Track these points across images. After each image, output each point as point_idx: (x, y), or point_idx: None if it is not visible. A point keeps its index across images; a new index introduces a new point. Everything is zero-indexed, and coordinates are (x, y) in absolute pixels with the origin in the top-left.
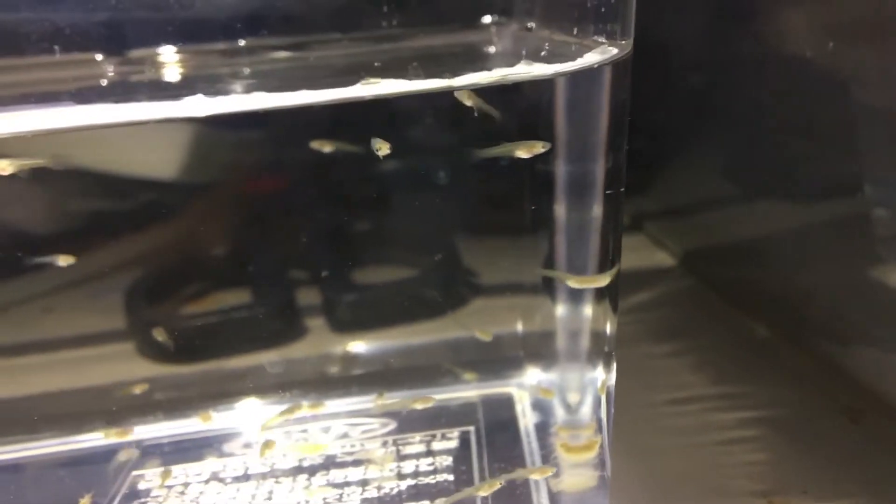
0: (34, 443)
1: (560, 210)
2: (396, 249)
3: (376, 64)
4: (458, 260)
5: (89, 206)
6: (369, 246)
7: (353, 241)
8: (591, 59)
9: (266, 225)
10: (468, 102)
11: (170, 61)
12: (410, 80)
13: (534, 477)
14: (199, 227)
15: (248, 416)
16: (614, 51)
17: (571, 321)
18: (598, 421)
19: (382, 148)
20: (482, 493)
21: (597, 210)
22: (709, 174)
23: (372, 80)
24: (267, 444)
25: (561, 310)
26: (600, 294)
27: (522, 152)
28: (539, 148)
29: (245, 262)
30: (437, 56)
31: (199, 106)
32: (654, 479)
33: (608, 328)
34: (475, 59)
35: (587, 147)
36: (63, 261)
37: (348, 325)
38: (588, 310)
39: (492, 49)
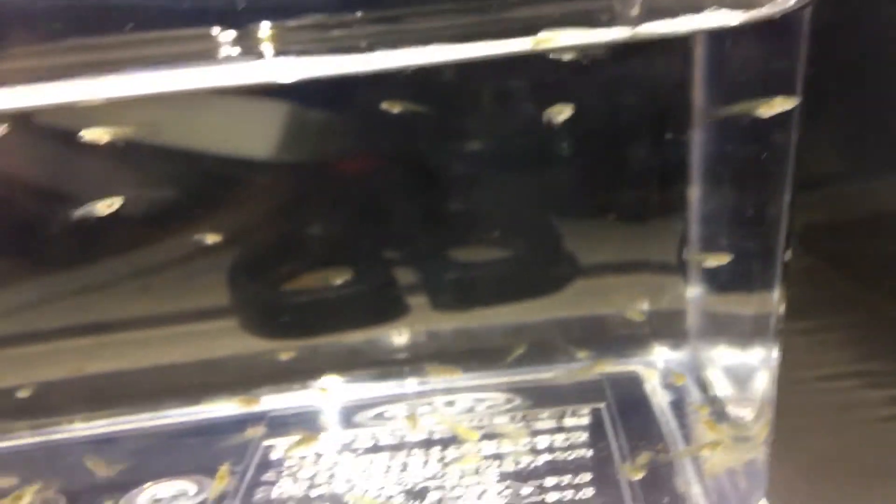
0: (164, 411)
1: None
2: (525, 225)
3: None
4: (582, 238)
5: (188, 183)
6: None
7: (477, 219)
8: (780, 5)
9: (380, 202)
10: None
11: (273, 35)
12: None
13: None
14: (300, 206)
15: (363, 390)
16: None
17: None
18: (747, 399)
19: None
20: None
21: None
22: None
23: (542, 36)
24: (411, 418)
25: (693, 289)
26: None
27: (764, 109)
28: (781, 105)
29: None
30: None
31: (361, 62)
32: (807, 457)
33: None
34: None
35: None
36: (210, 238)
37: (468, 302)
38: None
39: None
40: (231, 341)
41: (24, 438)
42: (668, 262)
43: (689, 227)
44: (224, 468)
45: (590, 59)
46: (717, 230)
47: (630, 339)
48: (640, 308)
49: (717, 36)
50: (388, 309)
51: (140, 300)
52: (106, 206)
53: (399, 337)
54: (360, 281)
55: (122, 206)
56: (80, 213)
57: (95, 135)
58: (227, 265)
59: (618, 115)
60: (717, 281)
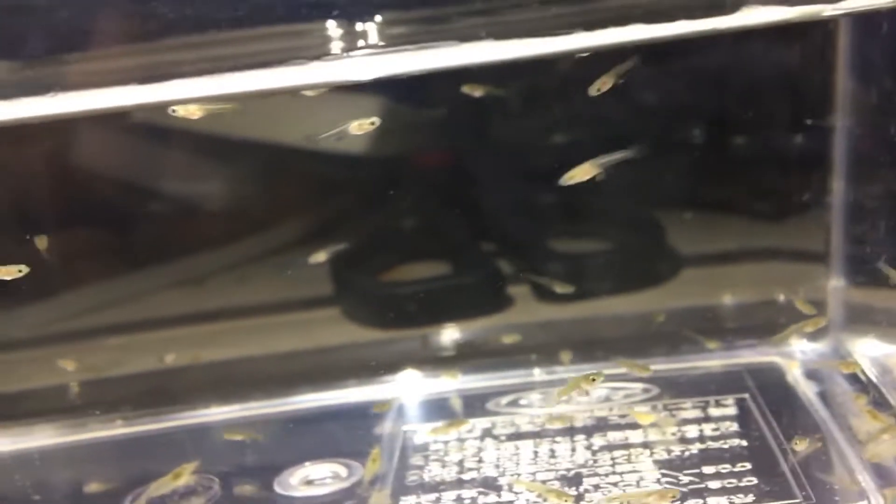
0: (293, 397)
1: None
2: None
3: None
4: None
5: (275, 178)
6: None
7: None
8: None
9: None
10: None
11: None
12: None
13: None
14: (392, 198)
15: (489, 378)
16: None
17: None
18: None
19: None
20: None
21: None
22: None
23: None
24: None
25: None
26: None
27: None
28: None
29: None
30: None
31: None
32: None
33: None
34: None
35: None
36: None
37: (585, 292)
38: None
39: None
40: (340, 330)
41: (163, 423)
42: (809, 250)
43: (833, 218)
44: (376, 450)
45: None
46: (865, 221)
47: (766, 329)
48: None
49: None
50: (497, 300)
51: (237, 291)
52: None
53: (511, 328)
54: (465, 272)
55: (216, 202)
56: None
57: (188, 111)
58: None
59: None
60: (863, 272)
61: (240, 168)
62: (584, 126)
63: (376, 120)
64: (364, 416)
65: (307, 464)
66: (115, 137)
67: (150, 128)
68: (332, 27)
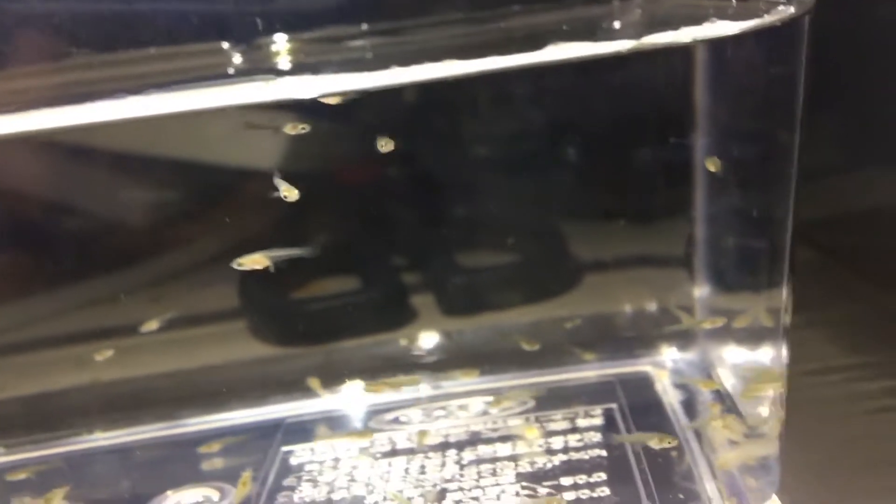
0: (180, 420)
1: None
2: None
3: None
4: (583, 240)
5: (187, 196)
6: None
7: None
8: (780, 13)
9: (374, 212)
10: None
11: (280, 49)
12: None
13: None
14: (304, 215)
15: (367, 396)
16: (790, 9)
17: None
18: (757, 396)
19: (386, 145)
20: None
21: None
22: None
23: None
24: (422, 434)
25: (701, 289)
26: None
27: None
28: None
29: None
30: (560, 32)
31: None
32: (817, 453)
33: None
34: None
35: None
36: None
37: (468, 307)
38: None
39: (616, 24)
40: (242, 348)
41: (43, 449)
42: (674, 259)
43: (695, 227)
44: (247, 474)
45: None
46: (722, 229)
47: (638, 339)
48: (649, 307)
49: (720, 41)
50: (398, 314)
51: (151, 309)
52: None
53: (409, 342)
54: (368, 288)
55: (129, 218)
56: None
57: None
58: (237, 275)
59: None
60: (725, 280)
61: (155, 186)
62: (483, 142)
63: (307, 126)
64: (248, 437)
65: (179, 489)
66: (29, 156)
67: (64, 146)
68: (231, 48)
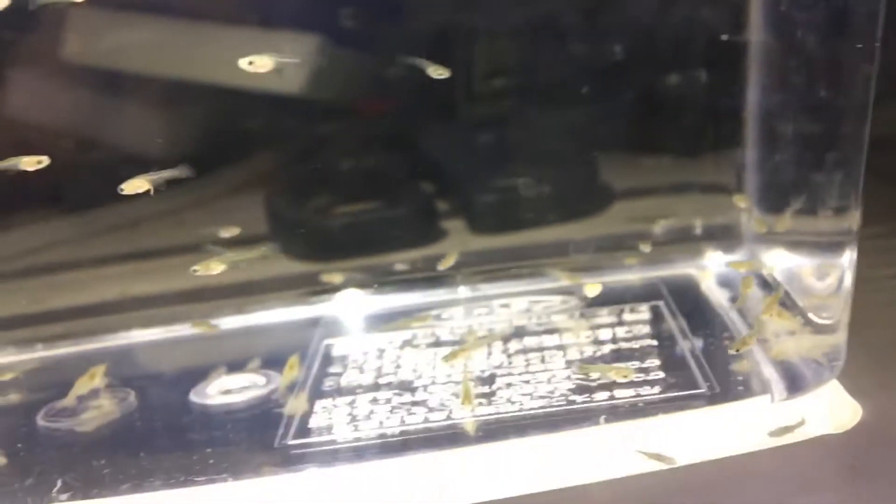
0: (220, 318)
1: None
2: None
3: None
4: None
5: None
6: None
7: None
8: None
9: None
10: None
11: None
12: None
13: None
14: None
15: (415, 297)
16: None
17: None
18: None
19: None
20: None
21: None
22: None
23: None
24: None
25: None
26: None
27: None
28: None
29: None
30: None
31: None
32: (877, 346)
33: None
34: None
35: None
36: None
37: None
38: None
39: None
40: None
41: (82, 345)
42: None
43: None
44: (294, 358)
45: None
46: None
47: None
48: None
49: None
50: (428, 232)
51: (177, 232)
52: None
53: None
54: (396, 205)
55: (158, 147)
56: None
57: None
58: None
59: None
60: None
61: (180, 112)
62: (519, 73)
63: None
64: (288, 333)
65: (224, 374)
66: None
67: (86, 72)
68: None
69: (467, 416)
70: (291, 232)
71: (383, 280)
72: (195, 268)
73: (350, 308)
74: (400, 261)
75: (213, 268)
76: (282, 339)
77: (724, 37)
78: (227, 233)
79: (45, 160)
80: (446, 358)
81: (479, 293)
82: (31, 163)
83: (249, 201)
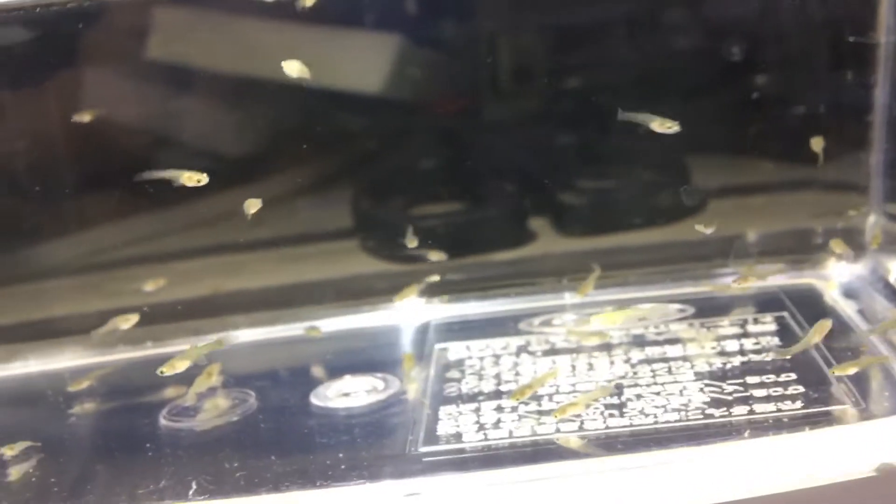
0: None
1: None
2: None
3: None
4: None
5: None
6: None
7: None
8: None
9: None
10: None
11: None
12: None
13: None
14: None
15: (521, 301)
16: None
17: None
18: None
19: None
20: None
21: None
22: None
23: None
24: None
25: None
26: None
27: None
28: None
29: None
30: None
31: None
32: None
33: None
34: None
35: None
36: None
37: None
38: None
39: None
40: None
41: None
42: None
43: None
44: (408, 354)
45: None
46: None
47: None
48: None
49: None
50: (519, 234)
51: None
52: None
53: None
54: (487, 206)
55: (246, 146)
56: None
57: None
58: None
59: None
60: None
61: (263, 111)
62: (608, 69)
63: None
64: (395, 337)
65: (341, 377)
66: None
67: (170, 71)
68: None
69: (599, 428)
70: (382, 232)
71: (485, 284)
72: (162, 369)
73: (454, 312)
74: (496, 262)
75: (178, 366)
76: (390, 343)
77: (852, 38)
78: None
79: (204, 178)
80: (514, 395)
81: (588, 299)
82: (191, 179)
83: (332, 199)
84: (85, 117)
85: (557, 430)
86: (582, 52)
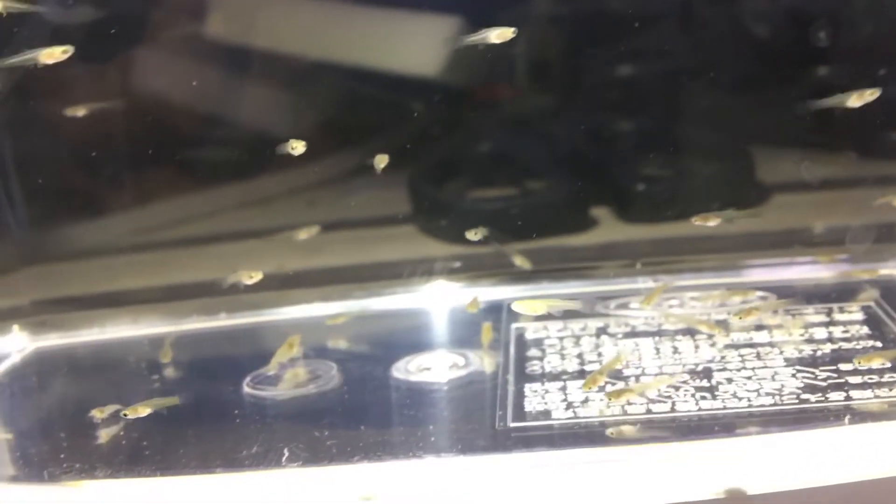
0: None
1: None
2: None
3: None
4: None
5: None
6: None
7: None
8: None
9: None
10: None
11: None
12: None
13: None
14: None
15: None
16: None
17: None
18: None
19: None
20: None
21: None
22: None
23: None
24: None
25: None
26: None
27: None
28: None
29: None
30: None
31: None
32: None
33: None
34: None
35: None
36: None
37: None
38: None
39: None
40: (427, 246)
41: (266, 317)
42: None
43: None
44: (487, 324)
45: None
46: None
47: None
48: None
49: None
50: (578, 220)
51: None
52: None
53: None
54: (546, 192)
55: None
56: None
57: None
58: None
59: None
60: None
61: (309, 92)
62: (653, 59)
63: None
64: (468, 316)
65: (423, 353)
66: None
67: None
68: None
69: (693, 409)
70: (439, 213)
71: (555, 266)
72: (125, 412)
73: (527, 294)
74: (559, 246)
75: (141, 412)
76: (465, 321)
77: None
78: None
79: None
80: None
81: (661, 283)
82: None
83: (387, 181)
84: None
85: (648, 412)
86: (641, 38)
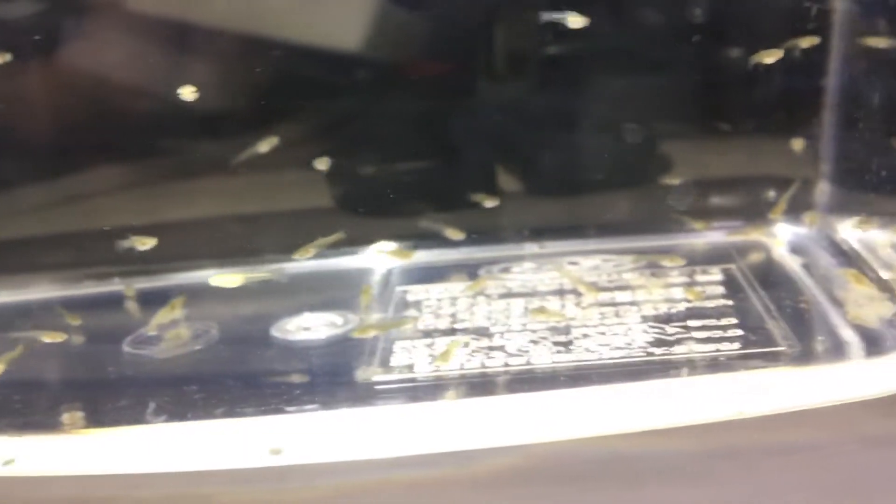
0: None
1: None
2: None
3: None
4: None
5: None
6: None
7: None
8: None
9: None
10: None
11: None
12: None
13: None
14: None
15: (481, 251)
16: None
17: None
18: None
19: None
20: None
21: None
22: None
23: None
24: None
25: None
26: None
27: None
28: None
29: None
30: None
31: None
32: None
33: None
34: None
35: None
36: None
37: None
38: None
39: None
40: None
41: (157, 281)
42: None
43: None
44: (367, 285)
45: None
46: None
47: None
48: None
49: None
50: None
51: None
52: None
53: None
54: (457, 164)
55: (214, 101)
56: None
57: None
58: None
59: None
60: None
61: (233, 65)
62: (579, 39)
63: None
64: (356, 280)
65: (303, 312)
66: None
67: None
68: None
69: (547, 363)
70: (350, 187)
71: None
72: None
73: (420, 259)
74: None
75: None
76: (353, 285)
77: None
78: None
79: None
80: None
81: (546, 250)
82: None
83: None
84: None
85: (506, 365)
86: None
